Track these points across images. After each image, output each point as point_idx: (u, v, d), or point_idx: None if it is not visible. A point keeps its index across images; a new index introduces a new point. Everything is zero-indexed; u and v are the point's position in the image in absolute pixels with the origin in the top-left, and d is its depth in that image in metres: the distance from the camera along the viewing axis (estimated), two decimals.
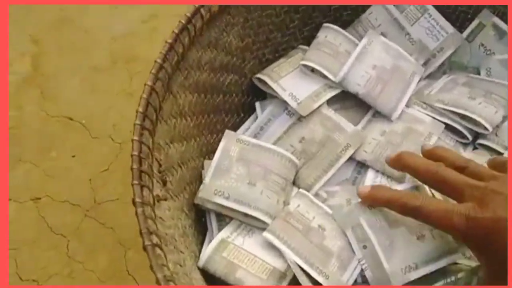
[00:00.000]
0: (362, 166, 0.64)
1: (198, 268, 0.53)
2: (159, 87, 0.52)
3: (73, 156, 1.08)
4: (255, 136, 0.64)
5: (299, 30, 0.72)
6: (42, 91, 1.17)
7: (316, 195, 0.62)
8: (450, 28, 0.72)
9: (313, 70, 0.67)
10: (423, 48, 0.71)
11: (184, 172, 0.58)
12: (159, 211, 0.49)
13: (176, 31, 0.55)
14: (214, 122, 0.65)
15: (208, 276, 0.53)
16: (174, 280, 0.41)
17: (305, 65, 0.67)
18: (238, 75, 0.67)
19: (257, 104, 0.67)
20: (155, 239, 0.43)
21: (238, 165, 0.59)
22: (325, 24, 0.71)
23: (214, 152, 0.61)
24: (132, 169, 0.46)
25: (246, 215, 0.58)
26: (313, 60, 0.66)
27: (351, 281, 0.54)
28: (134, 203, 0.44)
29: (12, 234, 0.97)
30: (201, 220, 0.60)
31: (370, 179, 0.62)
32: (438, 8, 0.72)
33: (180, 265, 0.47)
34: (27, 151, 1.08)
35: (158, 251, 0.43)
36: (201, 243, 0.57)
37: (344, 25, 0.73)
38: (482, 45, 0.73)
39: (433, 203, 0.44)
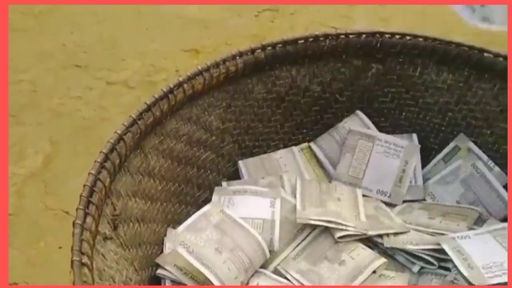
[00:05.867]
0: None
1: None
2: (128, 138, 0.56)
3: (60, 248, 1.08)
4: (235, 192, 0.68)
5: (280, 124, 0.77)
6: (46, 186, 1.21)
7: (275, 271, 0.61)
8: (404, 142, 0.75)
9: None
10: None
11: (142, 230, 0.59)
12: (103, 248, 0.49)
13: (156, 96, 0.61)
14: (184, 194, 0.67)
15: None
16: None
17: None
18: (215, 154, 0.71)
19: (240, 163, 0.72)
20: (85, 259, 0.43)
21: (213, 231, 0.60)
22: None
23: (179, 223, 0.63)
24: (80, 197, 0.48)
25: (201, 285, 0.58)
26: None
27: None
28: (73, 224, 0.45)
29: None
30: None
31: None
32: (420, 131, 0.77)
33: None
34: (18, 238, 1.10)
35: (86, 270, 0.42)
36: None
37: (324, 127, 0.78)
38: None
39: None
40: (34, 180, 1.22)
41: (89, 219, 0.46)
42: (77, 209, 0.46)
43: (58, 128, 1.35)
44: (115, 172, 0.53)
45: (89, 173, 0.50)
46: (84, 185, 0.49)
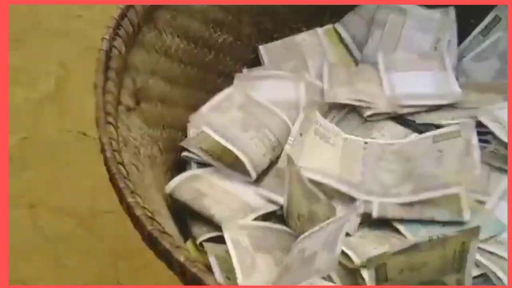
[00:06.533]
0: None
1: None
2: (138, 5, 0.51)
3: (79, 168, 1.07)
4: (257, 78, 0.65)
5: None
6: (60, 107, 1.19)
7: None
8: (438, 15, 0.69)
9: None
10: None
11: (165, 112, 0.56)
12: (128, 119, 0.46)
13: None
14: (205, 80, 0.63)
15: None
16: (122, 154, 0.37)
17: None
18: (233, 37, 0.66)
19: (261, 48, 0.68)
20: (110, 119, 0.40)
21: (237, 111, 0.58)
22: None
23: None
24: (97, 60, 0.44)
25: (228, 165, 0.55)
26: None
27: None
28: (94, 86, 0.41)
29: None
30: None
31: None
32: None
33: (137, 169, 0.43)
34: (35, 159, 1.08)
35: (112, 129, 0.39)
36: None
37: (350, 6, 0.72)
38: None
39: None
40: (48, 103, 1.19)
41: (109, 83, 0.43)
42: (96, 71, 0.43)
43: (65, 49, 1.31)
44: (129, 40, 0.49)
45: (102, 38, 0.46)
46: (100, 50, 0.45)
